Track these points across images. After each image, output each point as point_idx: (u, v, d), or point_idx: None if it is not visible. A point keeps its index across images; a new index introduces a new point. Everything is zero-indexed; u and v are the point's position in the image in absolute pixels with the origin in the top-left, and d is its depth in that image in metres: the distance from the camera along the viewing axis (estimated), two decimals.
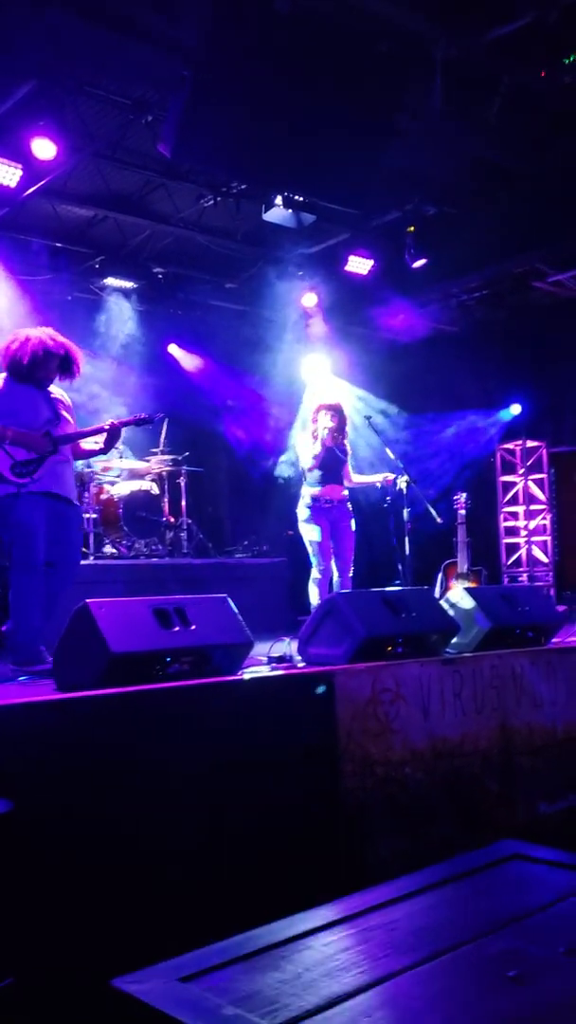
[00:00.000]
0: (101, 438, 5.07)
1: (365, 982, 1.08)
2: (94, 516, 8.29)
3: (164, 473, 9.29)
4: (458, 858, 1.48)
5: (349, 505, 6.80)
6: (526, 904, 1.26)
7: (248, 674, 3.80)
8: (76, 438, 4.91)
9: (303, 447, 6.79)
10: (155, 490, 8.84)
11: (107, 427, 4.99)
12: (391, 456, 6.98)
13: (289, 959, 1.15)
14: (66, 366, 4.89)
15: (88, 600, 3.54)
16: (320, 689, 2.64)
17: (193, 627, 3.68)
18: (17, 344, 4.75)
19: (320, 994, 1.04)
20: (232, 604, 3.93)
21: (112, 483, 8.71)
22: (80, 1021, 2.43)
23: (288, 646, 4.27)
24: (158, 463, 9.38)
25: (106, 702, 3.19)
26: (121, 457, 9.12)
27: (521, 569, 11.19)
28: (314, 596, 6.60)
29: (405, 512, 6.76)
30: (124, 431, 5.22)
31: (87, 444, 5.09)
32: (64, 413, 4.92)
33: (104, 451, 5.17)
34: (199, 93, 5.42)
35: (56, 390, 4.97)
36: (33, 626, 4.53)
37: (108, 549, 8.46)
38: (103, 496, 8.47)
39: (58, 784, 2.84)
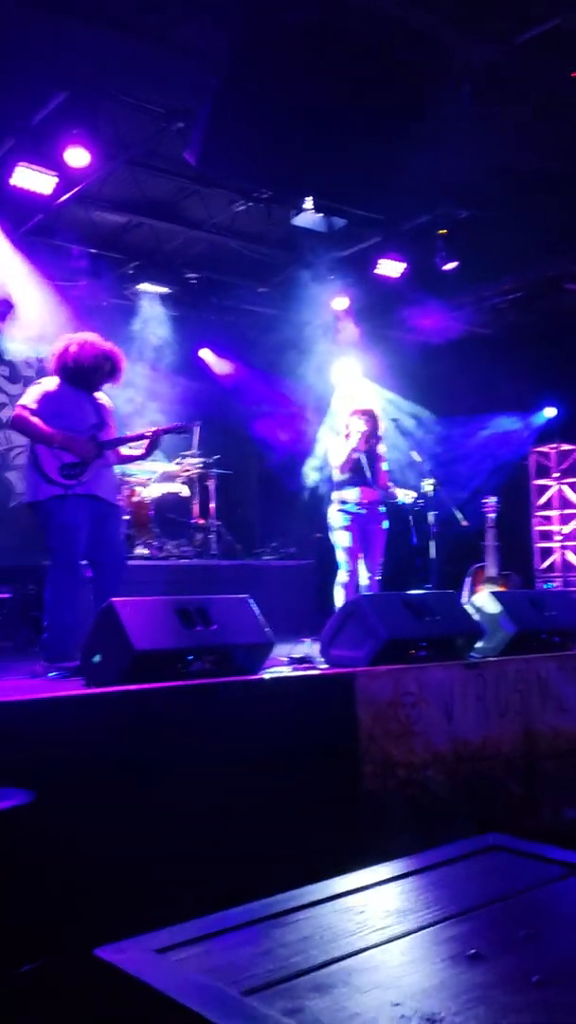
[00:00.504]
0: (142, 444, 5.18)
1: (332, 957, 1.13)
2: (126, 518, 8.39)
3: (194, 476, 9.38)
4: (442, 847, 1.53)
5: (381, 508, 6.81)
6: (496, 891, 1.30)
7: (269, 674, 3.85)
8: (120, 443, 5.02)
9: (334, 451, 6.82)
10: (185, 492, 8.92)
11: (148, 434, 5.11)
12: (417, 459, 6.99)
13: (261, 935, 1.21)
14: (112, 371, 5.01)
15: (113, 599, 3.62)
16: None
17: (215, 626, 3.73)
18: (75, 347, 4.88)
19: (285, 966, 1.09)
20: (253, 604, 3.97)
21: (143, 485, 8.81)
22: (104, 1001, 2.49)
23: (310, 647, 4.31)
24: (188, 466, 9.47)
25: (129, 698, 3.26)
26: (152, 460, 9.20)
27: (555, 574, 11.11)
28: (339, 599, 6.62)
29: (431, 516, 6.76)
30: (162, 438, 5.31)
31: (126, 449, 5.19)
32: (110, 419, 5.04)
33: (144, 457, 5.27)
34: (225, 102, 5.50)
35: (102, 396, 5.09)
36: (66, 624, 4.64)
37: (139, 550, 8.56)
38: (135, 498, 8.57)
39: (81, 776, 2.91)
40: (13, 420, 4.84)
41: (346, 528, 6.66)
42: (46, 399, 4.81)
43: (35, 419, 4.73)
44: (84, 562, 4.85)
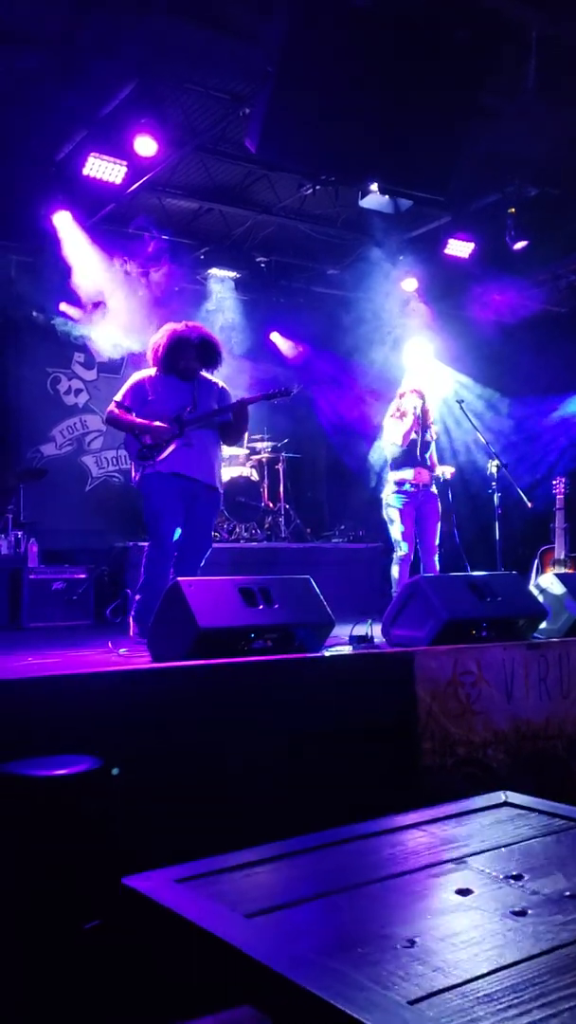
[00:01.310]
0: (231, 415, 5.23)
1: (330, 889, 1.23)
2: None
3: (264, 459, 9.50)
4: (457, 802, 1.61)
5: (435, 488, 6.83)
6: (493, 841, 1.39)
7: (330, 652, 3.93)
8: (203, 419, 5.10)
9: (389, 431, 6.86)
10: (255, 476, 9.05)
11: (233, 405, 5.17)
12: (483, 440, 6.98)
13: (269, 871, 1.32)
14: (204, 354, 5.18)
15: (179, 578, 3.75)
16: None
17: (276, 606, 3.83)
18: (159, 337, 5.15)
19: (287, 895, 1.20)
20: (315, 585, 4.06)
21: None
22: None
23: (369, 627, 4.38)
24: (258, 450, 9.60)
25: (193, 673, 3.39)
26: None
27: None
28: (396, 573, 6.69)
29: (495, 497, 6.75)
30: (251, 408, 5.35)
31: (227, 430, 5.25)
32: (210, 401, 5.16)
33: (241, 429, 5.30)
34: (281, 87, 5.53)
35: (211, 378, 5.28)
36: (157, 594, 4.79)
37: None
38: None
39: (146, 745, 3.05)
40: (106, 415, 5.26)
41: (402, 509, 6.71)
42: (133, 390, 5.13)
43: (118, 411, 5.09)
44: (176, 539, 5.04)
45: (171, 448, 4.97)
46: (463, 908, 1.18)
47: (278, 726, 3.39)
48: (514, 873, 1.28)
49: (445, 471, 6.88)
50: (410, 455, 6.72)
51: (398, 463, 6.78)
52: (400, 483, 6.74)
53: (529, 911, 1.16)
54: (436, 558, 6.75)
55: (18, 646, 5.52)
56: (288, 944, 1.05)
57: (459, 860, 1.35)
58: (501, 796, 1.68)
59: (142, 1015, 2.72)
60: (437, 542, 6.77)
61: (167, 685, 3.28)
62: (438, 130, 6.18)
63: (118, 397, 5.16)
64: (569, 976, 0.99)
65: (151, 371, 5.18)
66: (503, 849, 1.38)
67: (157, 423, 5.00)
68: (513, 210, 8.50)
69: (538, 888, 1.24)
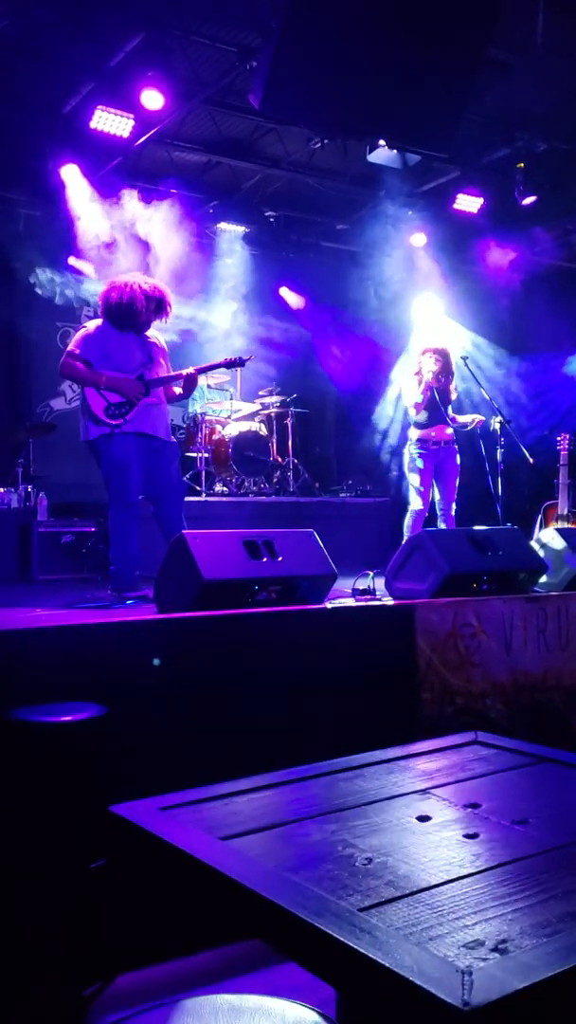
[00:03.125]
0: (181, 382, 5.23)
1: (301, 816, 1.34)
2: (206, 456, 8.64)
3: (273, 414, 9.55)
4: (429, 740, 1.72)
5: (455, 444, 6.95)
6: (458, 775, 1.49)
7: (332, 604, 4.03)
8: (167, 382, 5.12)
9: (408, 390, 6.94)
10: (263, 431, 9.10)
11: (184, 374, 5.17)
12: (486, 396, 7.03)
13: (248, 800, 1.43)
14: (158, 308, 5.08)
15: (184, 531, 3.84)
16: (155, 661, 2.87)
17: (280, 559, 3.92)
18: (116, 291, 4.98)
19: (261, 822, 1.31)
20: (318, 538, 4.14)
21: (223, 424, 9.02)
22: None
23: (372, 580, 4.46)
24: (267, 404, 9.65)
25: (197, 623, 3.49)
26: (232, 399, 9.42)
27: None
28: (407, 526, 6.82)
29: (499, 452, 6.82)
30: (204, 377, 5.36)
31: (174, 390, 5.27)
32: (160, 358, 5.16)
33: (183, 396, 5.32)
34: (286, 42, 5.47)
35: (154, 334, 5.21)
36: (130, 555, 4.91)
37: (218, 487, 8.82)
38: (214, 436, 8.80)
39: (152, 693, 3.16)
40: (60, 367, 5.01)
41: (422, 466, 6.81)
42: (89, 342, 4.95)
43: (79, 364, 4.90)
44: (140, 497, 5.05)
45: (138, 407, 4.93)
46: (421, 832, 1.28)
47: (279, 676, 3.49)
48: (472, 802, 1.38)
49: (474, 419, 6.94)
50: (430, 412, 6.81)
51: (418, 421, 6.88)
52: (422, 440, 6.88)
53: (480, 834, 1.26)
54: (453, 511, 6.88)
55: (28, 598, 5.64)
56: (257, 862, 1.16)
57: (424, 791, 1.45)
58: (472, 735, 1.78)
59: (145, 950, 2.87)
60: (455, 496, 6.91)
61: (171, 635, 3.38)
62: (443, 84, 6.11)
63: (73, 349, 4.94)
64: (506, 888, 1.09)
65: (97, 323, 5.04)
66: (467, 782, 1.48)
67: (127, 380, 4.91)
68: (522, 165, 8.44)
69: (491, 815, 1.34)
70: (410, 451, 6.93)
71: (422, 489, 6.82)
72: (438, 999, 0.81)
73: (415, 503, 6.89)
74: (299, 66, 5.69)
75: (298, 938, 0.98)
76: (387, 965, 0.87)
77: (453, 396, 7.02)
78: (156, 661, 2.83)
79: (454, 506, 6.94)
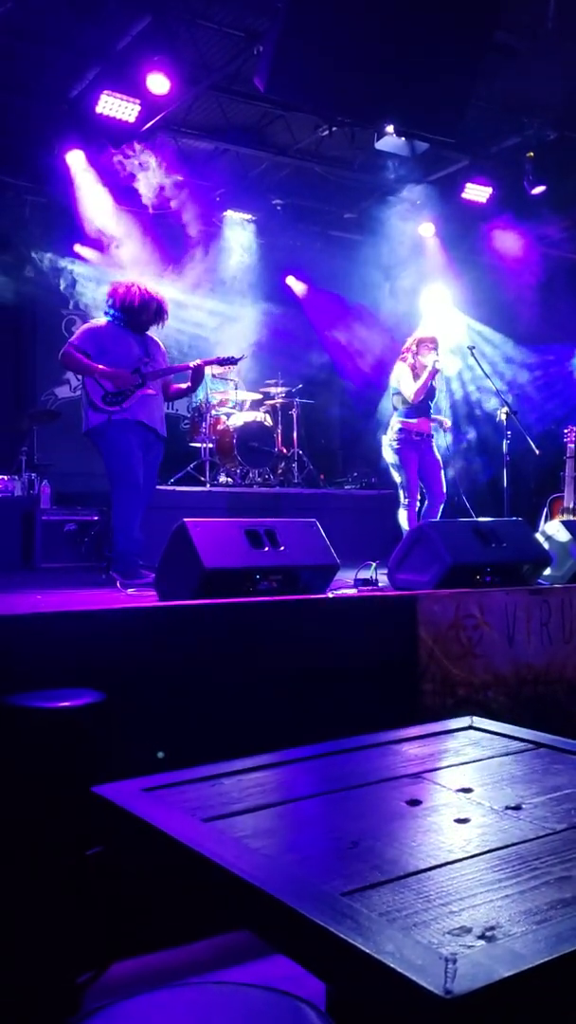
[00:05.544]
0: (188, 376, 5.50)
1: (284, 799, 1.31)
2: (210, 446, 8.61)
3: (278, 405, 9.50)
4: (426, 724, 1.69)
5: (434, 437, 6.91)
6: (451, 760, 1.46)
7: (334, 594, 4.00)
8: (164, 374, 5.37)
9: (406, 380, 6.83)
10: (268, 422, 9.06)
11: (192, 366, 5.44)
12: (493, 387, 6.97)
13: (231, 783, 1.41)
14: (158, 313, 5.38)
15: (185, 519, 3.81)
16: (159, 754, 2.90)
17: (282, 548, 3.90)
18: (123, 290, 5.28)
19: (242, 804, 1.28)
20: (320, 528, 4.11)
21: (228, 415, 8.99)
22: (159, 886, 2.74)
23: (374, 571, 4.43)
24: (272, 395, 9.60)
25: (198, 611, 3.47)
26: (236, 389, 9.37)
27: None
28: (403, 520, 6.76)
29: (505, 444, 6.77)
30: (210, 370, 5.60)
31: (178, 386, 5.53)
32: (158, 356, 5.39)
33: (190, 391, 5.60)
34: (292, 25, 5.44)
35: (152, 334, 5.46)
36: (133, 538, 5.05)
37: (222, 478, 8.78)
38: (219, 427, 8.76)
39: (152, 679, 3.14)
40: (61, 357, 5.27)
41: (407, 455, 6.75)
42: (90, 336, 5.22)
43: (78, 355, 5.15)
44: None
45: (135, 396, 5.14)
46: (410, 816, 1.26)
47: (280, 665, 3.47)
48: (465, 787, 1.35)
49: (444, 421, 6.97)
50: (421, 405, 6.76)
51: (407, 412, 6.79)
52: (404, 431, 6.77)
53: (471, 819, 1.23)
54: (441, 505, 6.81)
55: (29, 585, 5.63)
56: (238, 844, 1.13)
57: (416, 775, 1.42)
58: (467, 720, 1.76)
59: (141, 939, 2.86)
60: (444, 489, 6.83)
61: (172, 623, 3.36)
62: (450, 68, 6.05)
63: (75, 342, 5.25)
64: (496, 874, 1.06)
65: (102, 320, 5.35)
66: (460, 767, 1.45)
67: (122, 372, 5.14)
68: (532, 154, 8.36)
69: (484, 800, 1.31)
70: (390, 440, 6.83)
71: (408, 476, 6.76)
72: (419, 986, 0.78)
73: (405, 496, 6.82)
74: (305, 49, 5.66)
75: (277, 922, 0.95)
76: (368, 951, 0.84)
77: (437, 391, 6.99)
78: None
79: (442, 507, 6.87)
